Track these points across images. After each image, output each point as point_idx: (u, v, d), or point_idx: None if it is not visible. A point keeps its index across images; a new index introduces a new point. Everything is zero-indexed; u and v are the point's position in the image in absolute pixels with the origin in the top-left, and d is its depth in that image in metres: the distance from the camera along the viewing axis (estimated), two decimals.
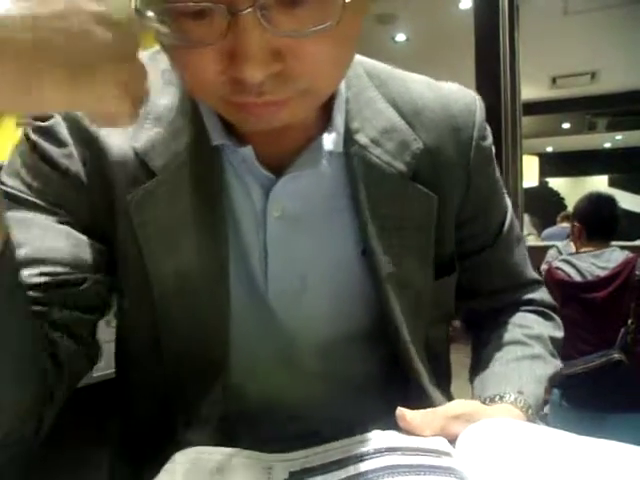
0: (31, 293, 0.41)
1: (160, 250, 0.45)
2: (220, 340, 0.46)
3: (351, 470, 0.29)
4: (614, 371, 1.65)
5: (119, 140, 0.45)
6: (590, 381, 1.64)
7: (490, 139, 0.54)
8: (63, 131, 0.45)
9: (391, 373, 0.52)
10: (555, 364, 0.53)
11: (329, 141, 0.46)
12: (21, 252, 0.41)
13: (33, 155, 0.45)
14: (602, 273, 1.79)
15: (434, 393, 0.51)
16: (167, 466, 0.32)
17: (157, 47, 0.47)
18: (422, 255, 0.50)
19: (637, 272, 1.73)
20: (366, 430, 0.38)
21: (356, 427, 0.42)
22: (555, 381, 0.53)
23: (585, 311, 1.77)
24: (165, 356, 0.47)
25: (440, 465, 0.30)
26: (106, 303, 0.48)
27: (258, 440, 0.46)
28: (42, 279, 0.41)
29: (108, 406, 0.58)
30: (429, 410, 0.40)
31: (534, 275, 0.61)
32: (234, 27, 0.32)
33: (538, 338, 0.54)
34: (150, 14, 0.32)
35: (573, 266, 1.84)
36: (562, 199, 8.23)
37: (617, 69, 4.43)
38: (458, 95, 0.52)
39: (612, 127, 6.40)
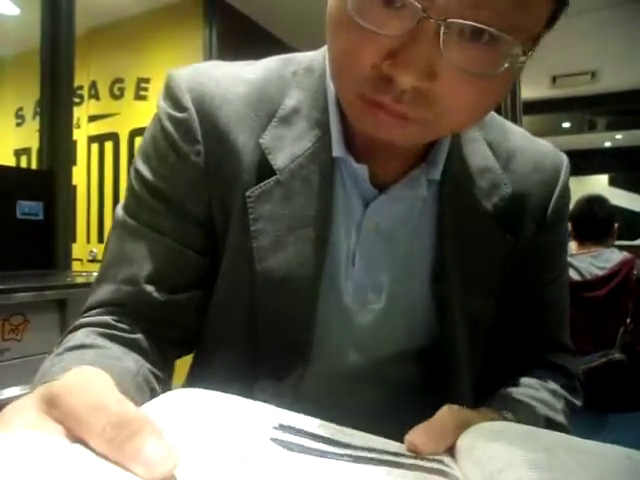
0: (146, 311, 0.47)
1: (269, 245, 0.47)
2: (305, 333, 0.48)
3: (338, 449, 0.29)
4: (614, 371, 1.65)
5: (247, 136, 0.48)
6: (590, 381, 1.65)
7: (569, 200, 0.56)
8: (195, 126, 0.47)
9: (434, 389, 0.52)
10: (562, 421, 0.51)
11: (430, 169, 0.49)
12: (136, 270, 0.47)
13: (165, 144, 0.48)
14: (601, 272, 1.79)
15: None
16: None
17: (288, 54, 0.53)
18: (490, 290, 0.52)
19: (635, 271, 1.74)
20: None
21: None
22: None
23: (584, 310, 1.78)
24: (258, 339, 0.49)
25: (433, 467, 0.30)
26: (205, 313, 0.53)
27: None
28: (159, 297, 0.47)
29: None
30: (433, 423, 0.35)
31: (569, 342, 0.60)
32: (416, 30, 0.33)
33: (552, 391, 0.53)
34: None
35: (572, 266, 1.84)
36: None
37: (617, 68, 4.42)
38: (549, 152, 0.55)
39: (612, 126, 6.38)
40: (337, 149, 0.47)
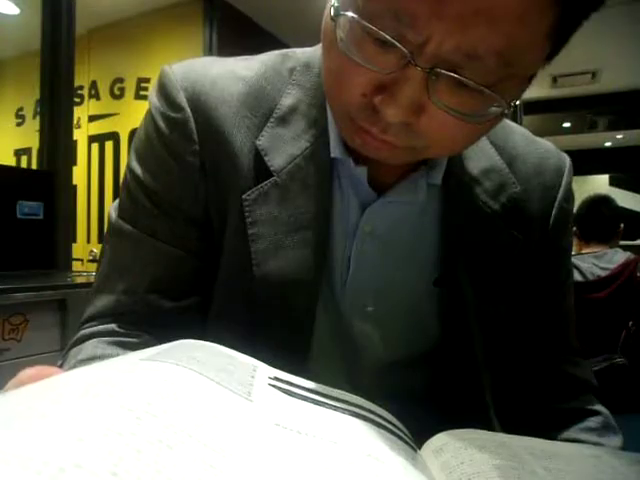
0: (149, 318, 0.46)
1: (266, 249, 0.46)
2: (304, 338, 0.47)
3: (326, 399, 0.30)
4: (617, 375, 1.64)
5: (243, 137, 0.46)
6: None
7: (573, 203, 0.55)
8: (191, 126, 0.46)
9: (439, 394, 0.51)
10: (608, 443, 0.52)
11: (431, 173, 0.48)
12: (136, 280, 0.46)
13: (160, 145, 0.47)
14: (603, 274, 1.79)
15: (495, 423, 0.50)
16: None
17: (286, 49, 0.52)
18: (504, 292, 0.50)
19: (638, 273, 1.73)
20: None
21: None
22: None
23: (586, 311, 1.77)
24: (256, 344, 0.48)
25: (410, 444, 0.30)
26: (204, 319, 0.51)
27: None
28: (161, 305, 0.46)
29: None
30: None
31: (577, 347, 0.59)
32: (404, 70, 0.34)
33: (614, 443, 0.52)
34: (343, 17, 0.34)
35: (574, 267, 1.84)
36: None
37: (618, 68, 4.41)
38: (551, 154, 0.54)
39: (613, 126, 6.39)
40: (335, 149, 0.46)
